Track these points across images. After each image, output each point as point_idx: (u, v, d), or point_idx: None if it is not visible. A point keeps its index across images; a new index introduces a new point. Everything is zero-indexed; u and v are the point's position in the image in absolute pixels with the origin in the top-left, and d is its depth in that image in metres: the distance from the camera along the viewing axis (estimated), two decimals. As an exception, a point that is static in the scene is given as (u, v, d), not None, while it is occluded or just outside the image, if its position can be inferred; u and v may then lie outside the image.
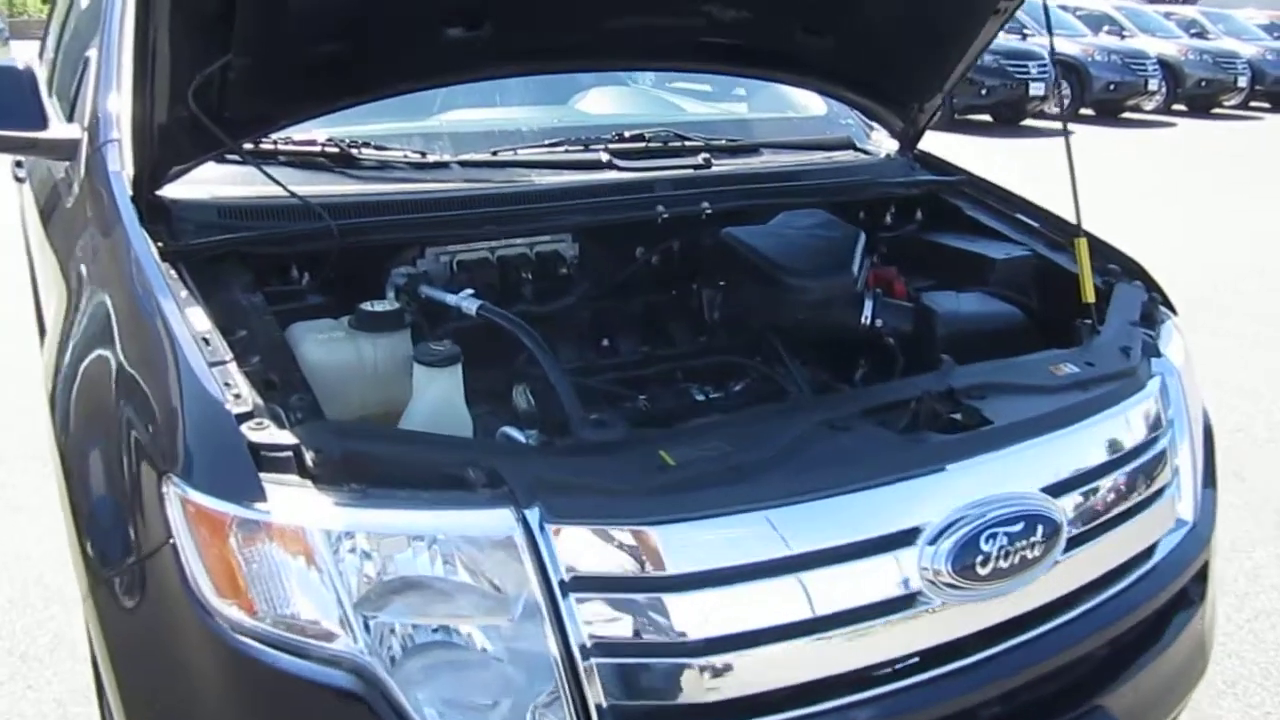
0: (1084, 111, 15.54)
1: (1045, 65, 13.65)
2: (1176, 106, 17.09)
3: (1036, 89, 13.90)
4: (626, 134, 2.35)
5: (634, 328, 2.11)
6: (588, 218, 2.08)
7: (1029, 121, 14.52)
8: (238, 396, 1.36)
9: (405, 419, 1.57)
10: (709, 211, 2.16)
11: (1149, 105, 16.42)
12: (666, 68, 2.83)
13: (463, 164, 2.15)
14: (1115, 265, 2.18)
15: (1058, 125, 14.37)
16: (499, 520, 1.32)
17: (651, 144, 2.34)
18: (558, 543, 1.32)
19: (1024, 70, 13.68)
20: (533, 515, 1.32)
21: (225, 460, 1.32)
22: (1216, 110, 17.60)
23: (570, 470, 1.39)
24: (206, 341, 1.45)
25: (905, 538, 1.45)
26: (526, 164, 2.20)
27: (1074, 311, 2.01)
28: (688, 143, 2.38)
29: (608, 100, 2.93)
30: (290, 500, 1.31)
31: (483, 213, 2.02)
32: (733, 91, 3.25)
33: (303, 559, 1.31)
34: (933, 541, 1.45)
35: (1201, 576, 1.90)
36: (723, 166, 2.36)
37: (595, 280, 2.11)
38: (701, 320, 2.16)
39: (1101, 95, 15.33)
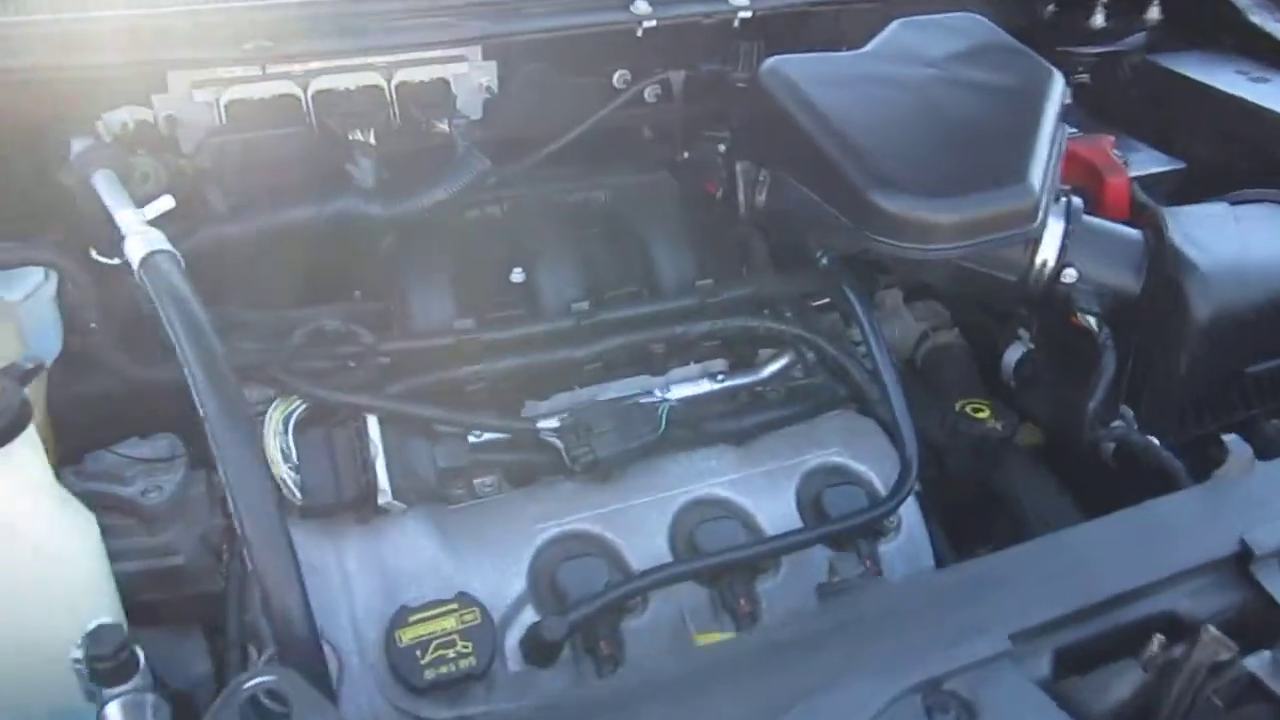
0: None
1: None
2: None
3: None
4: None
5: (578, 249, 1.08)
6: (504, 25, 1.03)
7: None
8: None
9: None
10: (746, 16, 1.08)
11: None
12: None
13: None
14: None
15: None
16: None
17: None
18: None
19: None
20: None
21: None
22: None
23: None
24: None
25: None
26: None
27: None
28: None
29: None
30: None
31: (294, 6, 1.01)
32: None
33: None
34: None
35: None
36: None
37: (510, 148, 1.08)
38: (714, 242, 1.12)
39: None
